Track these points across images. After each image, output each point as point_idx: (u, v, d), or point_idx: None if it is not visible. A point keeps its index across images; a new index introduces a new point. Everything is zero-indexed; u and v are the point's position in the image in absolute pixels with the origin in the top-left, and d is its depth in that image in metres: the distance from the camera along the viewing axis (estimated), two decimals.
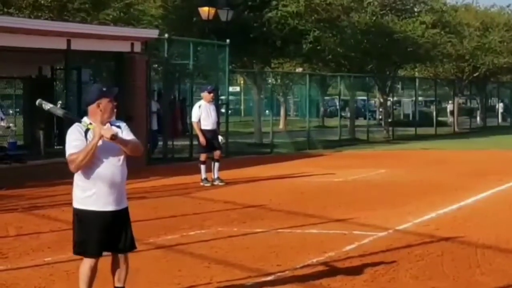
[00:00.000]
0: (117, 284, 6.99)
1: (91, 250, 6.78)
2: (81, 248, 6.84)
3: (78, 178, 6.81)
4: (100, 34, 23.70)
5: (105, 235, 6.79)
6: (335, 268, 9.06)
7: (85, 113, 6.86)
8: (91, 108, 6.78)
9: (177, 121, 29.85)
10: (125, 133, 6.85)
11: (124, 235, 6.90)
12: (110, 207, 6.76)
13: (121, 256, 6.94)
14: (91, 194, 6.74)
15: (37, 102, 6.88)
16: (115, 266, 6.98)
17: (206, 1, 30.75)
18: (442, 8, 44.43)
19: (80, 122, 6.73)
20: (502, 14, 52.22)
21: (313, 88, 38.42)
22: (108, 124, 6.70)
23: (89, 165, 6.69)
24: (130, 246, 6.97)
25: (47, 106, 6.89)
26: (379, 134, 42.13)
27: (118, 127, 6.82)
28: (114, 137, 6.55)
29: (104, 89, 6.86)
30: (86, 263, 6.80)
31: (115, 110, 6.87)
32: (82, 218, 6.81)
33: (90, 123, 6.68)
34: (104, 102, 6.76)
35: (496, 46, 48.07)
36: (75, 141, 6.74)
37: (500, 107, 63.42)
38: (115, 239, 6.85)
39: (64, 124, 24.93)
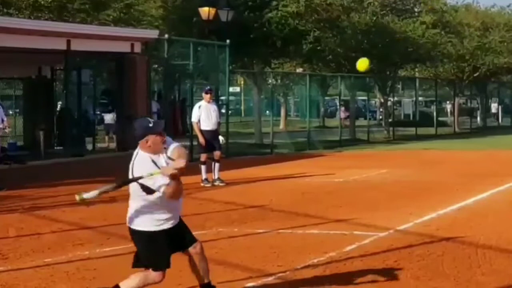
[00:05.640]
0: (205, 281, 7.26)
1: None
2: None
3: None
4: (100, 35, 23.72)
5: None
6: (336, 269, 9.05)
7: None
8: (141, 142, 6.79)
9: (177, 122, 29.84)
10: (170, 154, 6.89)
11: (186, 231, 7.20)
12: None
13: (194, 253, 7.15)
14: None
15: (78, 198, 6.80)
16: (192, 265, 7.23)
17: (206, 2, 30.75)
18: (442, 8, 44.45)
19: (139, 178, 6.70)
20: (503, 14, 52.24)
21: (314, 88, 38.41)
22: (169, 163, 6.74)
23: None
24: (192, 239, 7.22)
25: (92, 194, 6.83)
26: (380, 134, 42.13)
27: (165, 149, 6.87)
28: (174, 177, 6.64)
29: (150, 125, 6.81)
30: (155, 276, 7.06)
31: (165, 140, 6.84)
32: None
33: (152, 173, 6.66)
34: (151, 138, 6.75)
35: (496, 46, 48.09)
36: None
37: (493, 107, 63.34)
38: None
39: (64, 125, 24.95)
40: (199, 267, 7.21)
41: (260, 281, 8.45)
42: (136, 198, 6.87)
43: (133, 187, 6.82)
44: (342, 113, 43.55)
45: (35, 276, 8.83)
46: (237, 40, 29.35)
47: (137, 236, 6.97)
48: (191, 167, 21.81)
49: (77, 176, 18.54)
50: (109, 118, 28.35)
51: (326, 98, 58.23)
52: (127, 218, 7.00)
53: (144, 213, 6.87)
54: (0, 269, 9.19)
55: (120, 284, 6.98)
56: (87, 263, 9.41)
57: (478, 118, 58.58)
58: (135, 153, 6.89)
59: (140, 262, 7.09)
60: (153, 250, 6.98)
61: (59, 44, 22.39)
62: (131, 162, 6.84)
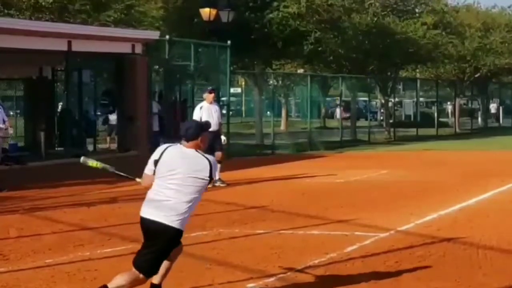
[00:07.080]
0: (159, 282, 7.44)
1: None
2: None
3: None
4: (101, 36, 23.72)
5: None
6: (337, 269, 9.04)
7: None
8: (193, 142, 7.09)
9: (178, 123, 29.80)
10: None
11: None
12: None
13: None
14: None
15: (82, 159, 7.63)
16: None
17: (207, 2, 30.74)
18: (443, 9, 44.44)
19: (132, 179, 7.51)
20: (503, 15, 52.24)
21: (314, 89, 38.40)
22: None
23: None
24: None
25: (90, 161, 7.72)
26: (381, 135, 42.13)
27: None
28: None
29: (203, 124, 7.33)
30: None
31: None
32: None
33: None
34: (203, 137, 7.13)
35: (497, 47, 48.09)
36: None
37: (492, 107, 63.26)
38: None
39: (65, 126, 24.95)
40: (165, 267, 7.36)
41: (261, 282, 8.45)
42: (192, 194, 7.07)
43: (196, 182, 7.03)
44: (341, 113, 43.50)
45: (36, 277, 8.82)
46: (238, 41, 29.34)
47: (168, 232, 7.03)
48: None
49: (77, 177, 18.54)
50: (114, 118, 28.35)
51: (328, 99, 58.26)
52: (163, 216, 7.10)
53: (186, 212, 7.09)
54: (1, 270, 9.18)
55: (108, 285, 6.98)
56: (88, 264, 9.41)
57: (479, 119, 58.55)
58: (179, 150, 7.10)
59: (140, 261, 7.07)
60: (168, 249, 7.13)
61: (60, 45, 22.38)
62: (188, 159, 7.04)
